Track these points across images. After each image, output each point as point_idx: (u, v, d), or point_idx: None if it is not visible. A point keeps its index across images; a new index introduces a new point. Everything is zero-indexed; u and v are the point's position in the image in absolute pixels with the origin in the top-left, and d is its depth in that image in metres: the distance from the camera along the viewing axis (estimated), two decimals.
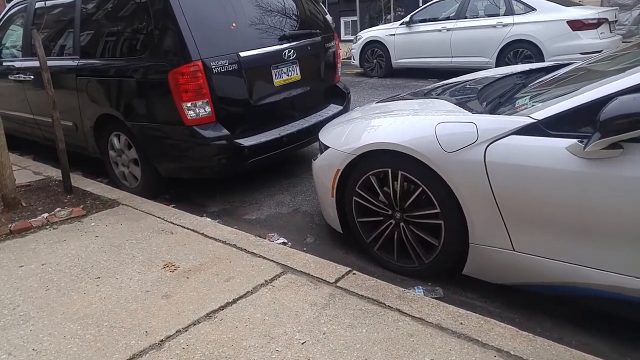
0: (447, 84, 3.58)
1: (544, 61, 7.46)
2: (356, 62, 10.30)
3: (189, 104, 3.34)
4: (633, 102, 1.75)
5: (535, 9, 7.76)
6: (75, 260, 2.77)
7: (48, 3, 4.40)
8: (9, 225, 3.20)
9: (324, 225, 3.33)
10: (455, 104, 2.71)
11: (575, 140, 1.97)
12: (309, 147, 4.55)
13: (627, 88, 1.90)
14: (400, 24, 9.50)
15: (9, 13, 5.12)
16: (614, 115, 1.77)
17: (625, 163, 1.87)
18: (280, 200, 3.90)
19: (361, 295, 2.29)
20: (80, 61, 4.01)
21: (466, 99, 2.90)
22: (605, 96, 1.93)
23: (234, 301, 2.29)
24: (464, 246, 2.41)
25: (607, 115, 1.79)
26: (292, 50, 3.90)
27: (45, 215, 3.37)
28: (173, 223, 3.19)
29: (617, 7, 9.41)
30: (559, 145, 2.02)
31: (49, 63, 3.71)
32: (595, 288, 2.06)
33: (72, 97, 4.09)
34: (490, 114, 2.43)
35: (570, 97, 2.08)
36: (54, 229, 3.21)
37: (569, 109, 2.04)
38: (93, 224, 3.25)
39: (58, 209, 3.46)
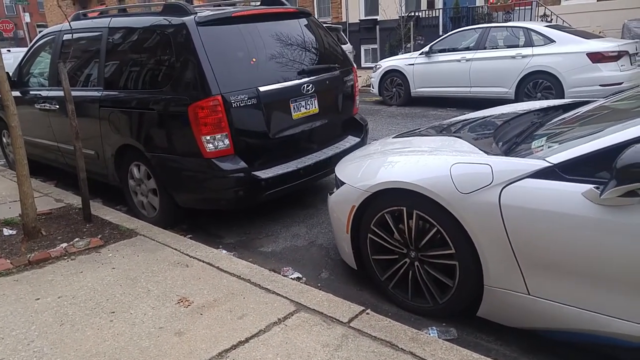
0: (464, 120, 3.58)
1: (563, 92, 7.44)
2: (375, 90, 10.39)
3: (208, 137, 3.41)
4: None
5: (555, 41, 7.77)
6: (91, 293, 2.80)
7: (75, 35, 4.56)
8: (28, 256, 3.26)
9: (339, 260, 3.32)
10: (471, 143, 2.70)
11: (591, 186, 1.95)
12: (327, 178, 4.58)
13: None
14: (420, 54, 9.59)
15: (38, 43, 5.31)
16: (631, 162, 1.76)
17: None
18: (296, 233, 3.91)
19: (374, 337, 2.26)
20: (104, 92, 4.13)
21: (483, 137, 2.89)
22: (622, 142, 1.92)
23: (247, 340, 2.28)
24: (479, 288, 2.37)
25: (623, 162, 1.77)
26: (311, 85, 3.96)
27: (64, 245, 3.43)
28: (189, 255, 3.22)
29: (638, 40, 9.33)
30: (575, 190, 2.00)
31: (74, 93, 3.83)
32: (614, 337, 2.01)
33: (94, 127, 4.21)
34: (506, 154, 2.42)
35: (587, 142, 2.06)
36: (71, 259, 3.26)
37: (584, 154, 2.02)
38: (110, 255, 3.30)
39: (77, 239, 3.52)
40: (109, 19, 4.32)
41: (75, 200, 4.40)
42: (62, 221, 3.97)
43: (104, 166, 4.35)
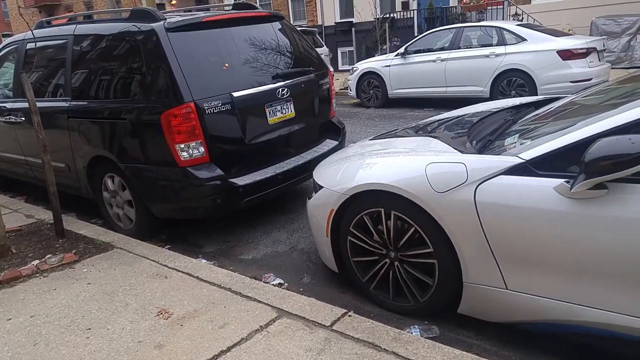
0: (440, 120, 3.61)
1: (536, 89, 7.57)
2: (353, 93, 10.43)
3: (182, 145, 3.36)
4: (616, 144, 1.77)
5: (526, 40, 7.92)
6: (65, 310, 2.73)
7: (39, 44, 4.43)
8: None
9: (320, 264, 3.30)
10: (446, 142, 2.72)
11: (562, 181, 1.98)
12: (307, 182, 4.56)
13: (610, 129, 1.92)
14: (396, 55, 9.65)
15: (0, 53, 5.15)
16: (598, 156, 1.79)
17: (610, 203, 1.88)
18: (277, 238, 3.88)
19: (357, 339, 2.26)
20: (72, 102, 4.03)
21: (457, 136, 2.92)
22: (589, 136, 1.95)
23: (228, 349, 2.25)
24: (459, 285, 2.39)
25: (591, 156, 1.81)
26: (286, 89, 3.94)
27: (36, 262, 3.33)
28: (168, 266, 3.17)
29: (606, 37, 9.61)
30: (547, 185, 2.03)
31: (40, 104, 3.73)
32: (588, 326, 2.06)
33: (63, 139, 4.10)
34: (480, 153, 2.44)
35: (557, 137, 2.10)
36: (44, 277, 3.17)
37: (555, 150, 2.06)
38: (85, 270, 3.22)
39: (49, 255, 3.42)
40: (74, 26, 4.22)
41: (47, 216, 4.27)
42: (33, 238, 3.86)
43: (76, 179, 4.25)
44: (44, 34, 4.48)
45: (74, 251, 3.49)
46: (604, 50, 8.12)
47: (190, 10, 4.64)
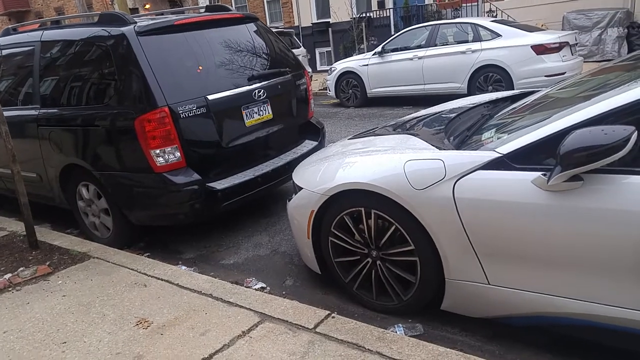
0: (418, 117, 3.61)
1: (512, 84, 7.66)
2: (332, 93, 10.41)
3: (157, 151, 3.29)
4: (589, 135, 1.78)
5: (501, 35, 8.00)
6: (39, 324, 2.64)
7: (5, 52, 4.31)
8: None
9: (303, 266, 3.27)
10: (424, 139, 2.72)
11: (539, 174, 1.98)
12: (287, 184, 4.51)
13: (584, 121, 1.93)
14: (373, 54, 9.66)
15: None
16: (572, 148, 1.80)
17: (586, 194, 1.89)
18: (259, 242, 3.83)
19: (340, 340, 2.24)
20: (42, 110, 3.92)
21: (435, 133, 2.91)
22: (564, 129, 1.96)
23: (210, 357, 2.21)
24: (441, 282, 2.38)
25: (565, 148, 1.82)
26: (262, 90, 3.90)
27: (8, 276, 3.23)
28: (147, 274, 3.10)
29: (577, 31, 9.77)
30: (525, 178, 2.03)
31: (8, 113, 3.62)
32: (570, 317, 2.07)
33: (34, 148, 3.99)
34: (458, 148, 2.44)
35: (532, 131, 2.10)
36: (17, 290, 3.07)
37: (531, 143, 2.06)
38: (60, 282, 3.13)
39: (22, 268, 3.32)
40: (41, 32, 4.11)
41: (20, 227, 4.15)
42: (5, 250, 3.74)
43: (49, 188, 4.13)
44: (9, 41, 4.36)
45: (47, 263, 3.40)
46: (576, 44, 8.25)
47: (162, 14, 4.56)
